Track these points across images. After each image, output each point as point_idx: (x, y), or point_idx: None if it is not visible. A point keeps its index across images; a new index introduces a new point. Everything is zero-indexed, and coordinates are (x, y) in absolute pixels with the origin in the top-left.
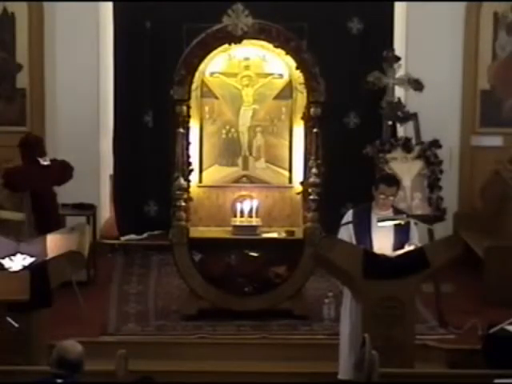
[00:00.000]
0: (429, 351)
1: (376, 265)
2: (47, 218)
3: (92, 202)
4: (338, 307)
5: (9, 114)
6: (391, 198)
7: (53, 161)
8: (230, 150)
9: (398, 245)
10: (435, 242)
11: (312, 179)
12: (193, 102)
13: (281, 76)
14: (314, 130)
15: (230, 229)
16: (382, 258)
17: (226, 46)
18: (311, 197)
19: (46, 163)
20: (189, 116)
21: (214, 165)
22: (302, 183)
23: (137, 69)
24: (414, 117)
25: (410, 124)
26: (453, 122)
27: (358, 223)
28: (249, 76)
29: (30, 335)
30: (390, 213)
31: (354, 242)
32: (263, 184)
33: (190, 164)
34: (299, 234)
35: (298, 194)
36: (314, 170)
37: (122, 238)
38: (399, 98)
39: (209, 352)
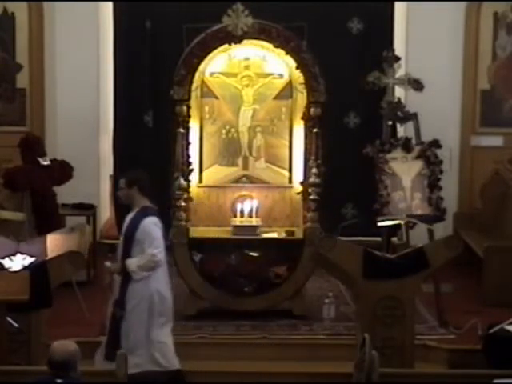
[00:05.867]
0: (429, 351)
1: (376, 265)
2: (47, 217)
3: (92, 202)
4: (338, 307)
5: (9, 114)
6: (120, 191)
7: (53, 161)
8: (230, 150)
9: (124, 239)
10: (435, 241)
11: (312, 179)
12: (193, 102)
13: (281, 76)
14: (314, 130)
15: (229, 229)
16: (382, 258)
17: (226, 45)
18: (311, 197)
19: (45, 163)
20: (189, 116)
21: (214, 165)
22: (302, 183)
23: (137, 69)
24: (413, 117)
25: (410, 124)
26: (453, 122)
27: None
28: (249, 76)
29: (30, 335)
30: (135, 211)
31: None
32: (263, 184)
33: (190, 164)
34: (299, 234)
35: (298, 194)
36: (314, 170)
37: None
38: (399, 98)
39: (209, 352)
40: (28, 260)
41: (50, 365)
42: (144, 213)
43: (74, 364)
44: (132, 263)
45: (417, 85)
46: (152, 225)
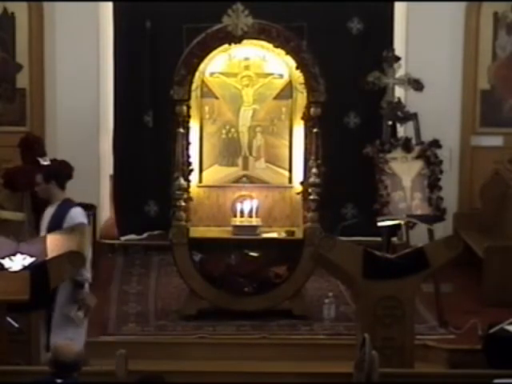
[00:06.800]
0: (429, 351)
1: (376, 265)
2: None
3: (92, 202)
4: (338, 307)
5: (9, 114)
6: (38, 187)
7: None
8: (230, 150)
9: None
10: (435, 241)
11: (312, 179)
12: (193, 102)
13: (281, 76)
14: (314, 130)
15: (230, 229)
16: (382, 258)
17: (226, 45)
18: (311, 197)
19: (46, 163)
20: (189, 116)
21: (214, 165)
22: (302, 183)
23: (137, 69)
24: (413, 117)
25: (410, 124)
26: (453, 122)
27: None
28: (249, 76)
29: (30, 335)
30: (55, 205)
31: None
32: (263, 184)
33: (190, 164)
34: (299, 234)
35: (298, 194)
36: (314, 170)
37: (122, 238)
38: (399, 98)
39: (209, 352)
40: (28, 260)
41: (55, 365)
42: (68, 204)
43: (81, 364)
44: (84, 273)
45: (417, 85)
46: (80, 214)
